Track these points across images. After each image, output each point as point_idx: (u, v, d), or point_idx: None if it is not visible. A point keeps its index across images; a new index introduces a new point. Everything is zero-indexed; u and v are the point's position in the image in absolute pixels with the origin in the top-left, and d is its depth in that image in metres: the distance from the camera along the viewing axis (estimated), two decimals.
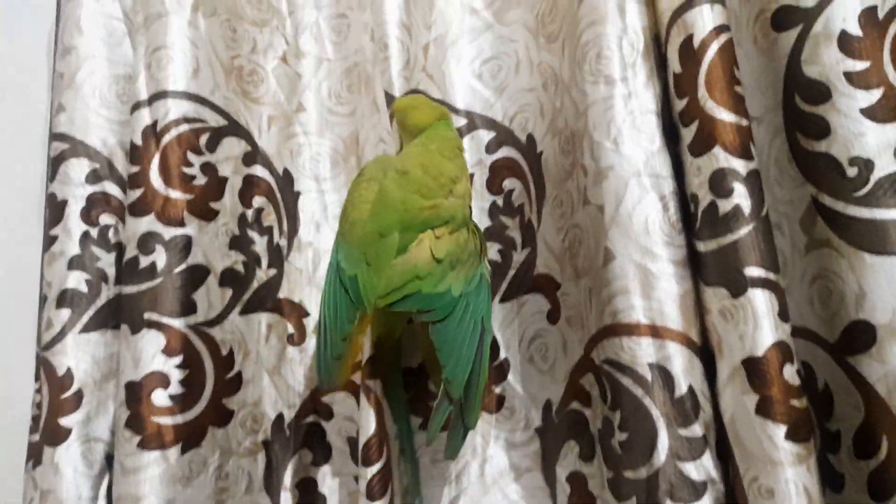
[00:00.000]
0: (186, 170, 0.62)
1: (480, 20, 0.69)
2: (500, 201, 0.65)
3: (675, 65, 0.51)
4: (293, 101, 0.72)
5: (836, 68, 0.48)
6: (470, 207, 0.56)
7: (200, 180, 0.63)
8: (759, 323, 0.44)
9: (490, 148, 0.66)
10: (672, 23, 0.51)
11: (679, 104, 0.51)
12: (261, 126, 0.70)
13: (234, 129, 0.67)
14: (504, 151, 0.65)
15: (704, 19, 0.50)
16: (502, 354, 0.62)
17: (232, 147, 0.67)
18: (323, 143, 0.72)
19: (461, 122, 0.66)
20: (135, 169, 0.61)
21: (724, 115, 0.48)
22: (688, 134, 0.50)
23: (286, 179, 0.70)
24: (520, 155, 0.64)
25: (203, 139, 0.64)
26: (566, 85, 0.57)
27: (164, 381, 0.57)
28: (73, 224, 0.65)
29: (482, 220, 0.64)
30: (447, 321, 0.49)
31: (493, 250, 0.64)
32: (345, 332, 0.50)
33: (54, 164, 0.67)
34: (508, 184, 0.64)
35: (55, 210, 0.66)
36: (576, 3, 0.56)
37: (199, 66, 0.65)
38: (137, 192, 0.61)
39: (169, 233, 0.60)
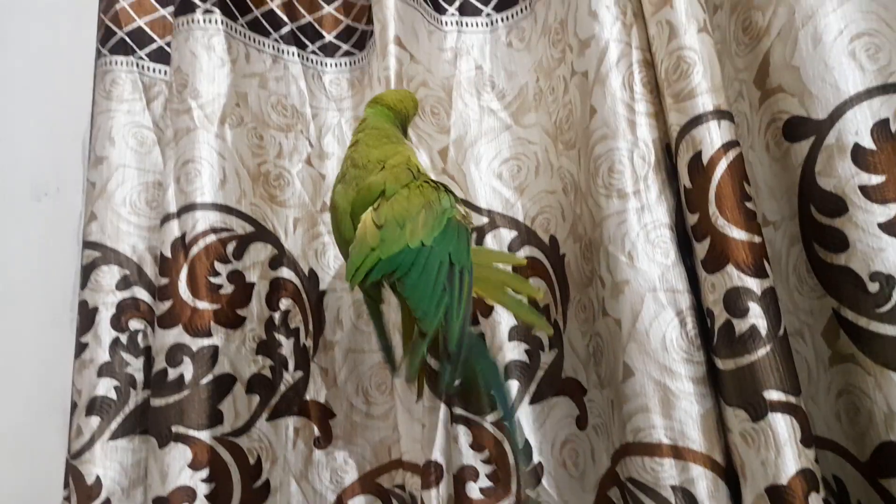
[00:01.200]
0: (213, 279, 0.64)
1: (499, 121, 0.70)
2: (524, 300, 0.65)
3: (685, 179, 0.52)
4: (317, 202, 0.74)
5: (851, 182, 0.48)
6: (412, 169, 0.57)
7: (227, 289, 0.65)
8: (782, 450, 0.43)
9: (512, 247, 0.66)
10: (681, 138, 0.52)
11: (691, 218, 0.51)
12: (287, 228, 0.72)
13: (261, 234, 0.69)
14: (527, 251, 0.66)
15: (712, 136, 0.50)
16: (535, 458, 0.61)
17: (258, 252, 0.68)
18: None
19: (482, 220, 0.67)
20: (164, 281, 0.63)
21: (736, 233, 0.48)
22: (701, 249, 0.50)
23: (312, 279, 0.71)
24: (543, 255, 0.65)
25: (230, 247, 0.66)
26: (583, 194, 0.58)
27: (190, 495, 0.58)
28: (104, 331, 0.67)
29: (506, 318, 0.64)
30: (410, 272, 0.52)
31: (519, 350, 0.63)
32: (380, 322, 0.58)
33: (86, 272, 0.70)
34: (533, 283, 0.65)
35: (86, 317, 0.68)
36: (588, 116, 0.57)
37: (226, 176, 0.67)
38: (166, 304, 0.63)
39: (196, 344, 0.62)
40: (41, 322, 0.81)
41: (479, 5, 0.75)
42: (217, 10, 0.71)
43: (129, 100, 0.75)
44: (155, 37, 0.78)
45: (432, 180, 0.57)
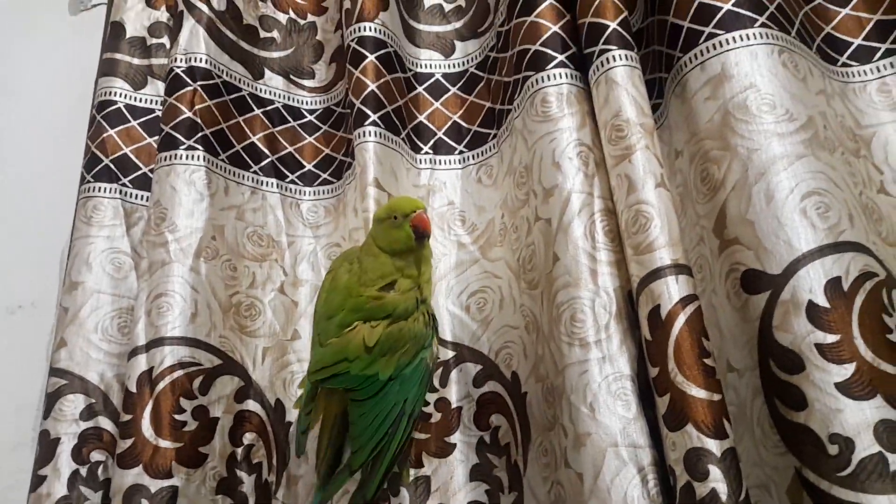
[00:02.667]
0: (178, 417, 0.63)
1: (468, 254, 0.72)
2: (487, 437, 0.64)
3: (645, 331, 0.52)
4: (288, 330, 0.74)
5: (807, 339, 0.49)
6: (418, 297, 0.60)
7: (191, 426, 0.64)
8: None
9: (477, 381, 0.66)
10: (640, 289, 0.53)
11: (652, 371, 0.51)
12: (255, 359, 0.71)
13: (229, 366, 0.69)
14: (490, 386, 0.66)
15: (670, 290, 0.51)
16: None
17: (225, 386, 0.68)
18: None
19: (449, 354, 0.67)
20: (127, 417, 0.63)
21: (695, 391, 0.48)
22: (662, 404, 0.50)
23: (278, 411, 0.71)
24: (505, 392, 0.65)
25: (196, 382, 0.66)
26: (546, 337, 0.58)
27: None
28: (64, 463, 0.66)
29: (470, 456, 0.63)
30: (368, 400, 0.57)
31: (479, 490, 0.62)
32: (308, 407, 0.61)
33: (50, 400, 0.69)
34: (495, 420, 0.64)
35: (46, 448, 0.67)
36: (551, 262, 0.58)
37: (197, 310, 0.68)
38: (127, 443, 0.62)
39: (155, 485, 0.60)
40: (2, 444, 0.79)
41: (452, 144, 0.78)
42: (200, 147, 0.74)
43: (109, 225, 0.76)
44: (140, 164, 0.80)
45: (427, 311, 0.61)
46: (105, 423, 0.69)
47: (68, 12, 1.01)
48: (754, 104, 0.57)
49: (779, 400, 0.50)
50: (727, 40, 0.60)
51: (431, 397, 0.65)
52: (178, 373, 0.64)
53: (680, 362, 0.49)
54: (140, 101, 0.83)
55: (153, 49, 0.85)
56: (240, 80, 0.82)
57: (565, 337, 0.55)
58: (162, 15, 0.86)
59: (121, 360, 0.71)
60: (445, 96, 0.81)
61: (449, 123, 0.80)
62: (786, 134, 0.56)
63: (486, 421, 0.65)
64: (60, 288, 0.85)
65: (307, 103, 0.86)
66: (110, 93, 0.82)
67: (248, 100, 0.82)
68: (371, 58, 0.77)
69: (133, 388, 0.64)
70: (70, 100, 0.95)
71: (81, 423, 0.68)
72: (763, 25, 0.61)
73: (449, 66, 0.84)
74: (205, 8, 0.80)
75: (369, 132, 0.73)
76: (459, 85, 0.82)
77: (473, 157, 0.78)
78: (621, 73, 0.61)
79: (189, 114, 0.75)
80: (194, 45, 0.79)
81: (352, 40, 0.78)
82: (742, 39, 0.60)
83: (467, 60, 0.83)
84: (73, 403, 0.68)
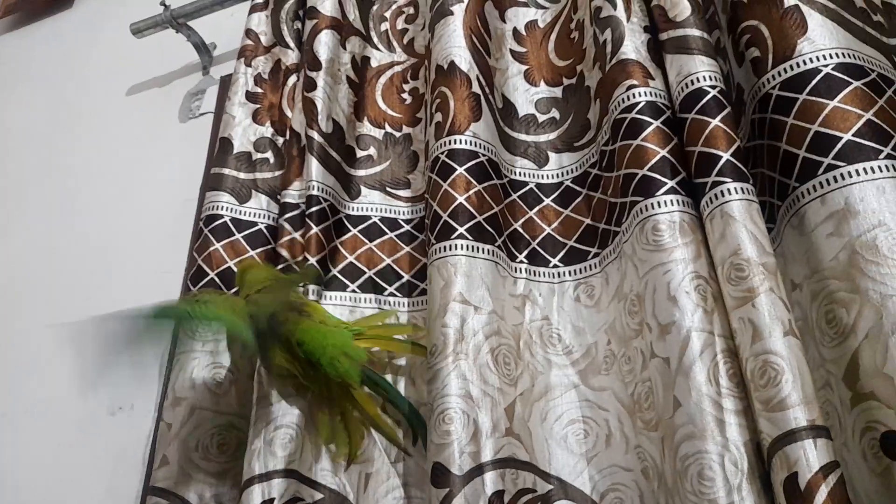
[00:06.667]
0: None
1: (566, 377, 0.69)
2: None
3: (781, 499, 0.49)
4: (391, 452, 0.72)
5: None
6: None
7: None
8: None
9: None
10: (773, 452, 0.50)
11: None
12: (359, 486, 0.69)
13: (331, 499, 0.68)
14: None
15: (808, 457, 0.48)
16: None
17: None
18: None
19: (548, 487, 0.64)
20: None
21: None
22: None
23: None
24: None
25: None
26: (670, 490, 0.55)
27: None
28: None
29: None
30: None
31: None
32: None
33: None
34: None
35: None
36: (671, 407, 0.56)
37: (303, 444, 0.68)
38: None
39: None
40: None
41: (547, 256, 0.77)
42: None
43: (211, 340, 0.78)
44: None
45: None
46: None
47: (178, 120, 1.08)
48: (885, 244, 0.54)
49: None
50: (849, 173, 0.57)
51: None
52: None
53: None
54: (244, 214, 0.86)
55: (258, 164, 0.88)
56: (340, 202, 0.84)
57: (692, 496, 0.52)
58: (267, 130, 0.89)
59: (219, 479, 0.72)
60: (539, 206, 0.81)
61: (543, 235, 0.79)
62: None
63: None
64: (158, 393, 0.88)
65: (404, 213, 0.87)
66: (217, 207, 0.85)
67: (345, 221, 0.84)
68: (460, 170, 0.75)
69: None
70: (177, 203, 1.00)
71: None
72: (889, 157, 0.58)
73: (542, 176, 0.83)
74: (315, 134, 0.83)
75: (457, 245, 0.70)
76: (554, 197, 0.81)
77: (570, 273, 0.76)
78: (738, 207, 0.60)
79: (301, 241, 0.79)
80: (310, 174, 0.81)
81: (441, 153, 0.77)
82: (866, 172, 0.57)
83: (563, 173, 0.83)
84: None
